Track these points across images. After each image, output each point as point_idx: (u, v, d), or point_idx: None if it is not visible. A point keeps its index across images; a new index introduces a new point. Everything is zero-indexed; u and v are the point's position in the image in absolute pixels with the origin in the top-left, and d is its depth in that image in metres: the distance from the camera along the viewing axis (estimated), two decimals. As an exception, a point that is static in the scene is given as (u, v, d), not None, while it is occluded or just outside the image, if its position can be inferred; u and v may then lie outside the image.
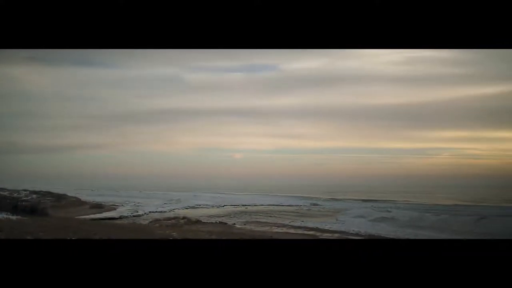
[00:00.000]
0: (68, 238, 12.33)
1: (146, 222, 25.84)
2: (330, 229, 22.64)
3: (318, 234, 20.25)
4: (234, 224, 25.14)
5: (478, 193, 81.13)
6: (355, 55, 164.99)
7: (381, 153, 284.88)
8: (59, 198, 42.59)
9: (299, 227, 23.59)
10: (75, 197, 48.48)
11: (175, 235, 17.87)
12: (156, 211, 36.30)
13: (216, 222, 26.07)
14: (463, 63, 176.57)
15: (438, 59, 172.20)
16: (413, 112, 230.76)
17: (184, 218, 26.54)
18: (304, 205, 48.18)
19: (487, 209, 40.10)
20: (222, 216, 31.47)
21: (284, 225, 24.77)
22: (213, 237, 17.13)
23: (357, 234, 20.34)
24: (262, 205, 48.07)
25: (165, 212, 36.17)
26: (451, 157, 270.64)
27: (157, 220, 26.56)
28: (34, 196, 40.60)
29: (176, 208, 40.85)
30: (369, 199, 63.62)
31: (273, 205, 48.52)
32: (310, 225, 24.79)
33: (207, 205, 47.13)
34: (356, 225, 24.92)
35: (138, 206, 43.62)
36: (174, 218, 27.04)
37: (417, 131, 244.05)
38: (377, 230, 22.02)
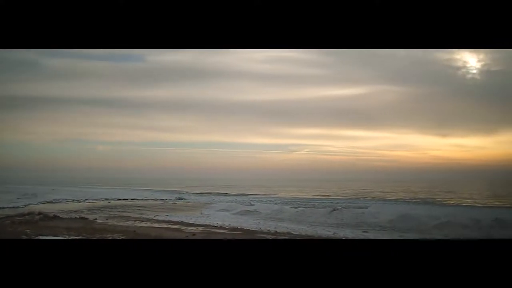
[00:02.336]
0: (68, 238, 11.19)
1: (-4, 218, 23.66)
2: (194, 222, 22.81)
3: (183, 228, 20.28)
4: (96, 219, 24.10)
5: (332, 187, 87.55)
6: (221, 50, 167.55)
7: (245, 148, 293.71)
8: None
9: (164, 221, 23.42)
10: None
11: (29, 232, 16.69)
12: (7, 207, 33.25)
13: (75, 217, 24.75)
14: (322, 64, 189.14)
15: (299, 59, 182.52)
16: (275, 109, 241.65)
17: (40, 213, 24.76)
18: (170, 199, 47.84)
19: (339, 202, 43.58)
20: (83, 211, 29.99)
21: (148, 219, 24.37)
22: (72, 233, 16.33)
23: (221, 227, 20.77)
24: (126, 199, 46.66)
25: (18, 207, 33.35)
26: (309, 153, 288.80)
27: (8, 216, 24.43)
28: None
29: (32, 203, 37.83)
30: (233, 193, 65.14)
31: (138, 199, 47.43)
32: (175, 219, 24.70)
33: (66, 199, 44.41)
34: (220, 218, 25.40)
35: (-14, 201, 39.65)
36: (28, 213, 25.07)
37: (279, 127, 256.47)
38: (241, 223, 22.67)
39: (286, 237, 14.40)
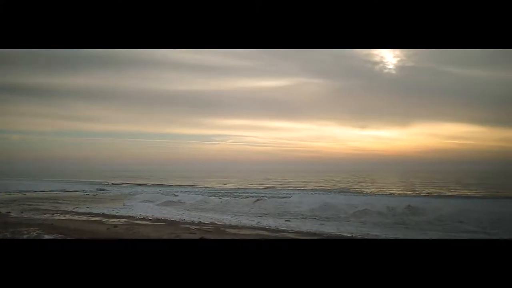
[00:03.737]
0: (68, 238, 11.20)
1: None
2: (116, 214, 22.29)
3: (104, 220, 19.76)
4: (9, 212, 22.84)
5: (256, 177, 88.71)
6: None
7: (169, 138, 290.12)
8: None
9: (84, 213, 22.65)
10: None
11: None
12: None
13: (-14, 211, 23.35)
14: (247, 56, 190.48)
15: (225, 51, 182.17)
16: (200, 99, 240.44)
17: None
18: (90, 190, 46.32)
19: (263, 192, 44.35)
20: (-5, 204, 28.31)
21: (67, 212, 23.46)
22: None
23: (144, 219, 20.47)
24: (43, 191, 44.51)
25: None
26: (234, 144, 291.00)
27: None
28: None
29: None
30: (157, 183, 64.27)
31: (56, 191, 45.44)
32: (95, 211, 23.98)
33: (-24, 192, 41.69)
34: (143, 209, 24.99)
35: None
36: None
37: (204, 118, 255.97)
38: (164, 214, 22.45)
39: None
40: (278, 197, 31.87)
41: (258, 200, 27.57)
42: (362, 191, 47.45)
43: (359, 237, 14.71)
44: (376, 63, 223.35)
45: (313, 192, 44.11)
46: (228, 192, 43.58)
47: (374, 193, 43.72)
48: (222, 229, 16.96)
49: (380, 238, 14.15)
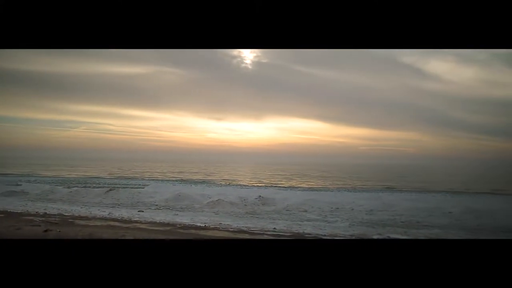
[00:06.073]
0: (68, 238, 10.99)
1: None
2: None
3: None
4: None
5: (109, 166, 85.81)
6: None
7: (12, 122, 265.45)
8: None
9: None
10: None
11: None
12: None
13: None
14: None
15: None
16: (49, 81, 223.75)
17: None
18: None
19: (116, 181, 43.15)
20: None
21: None
22: None
23: (-21, 210, 18.65)
24: None
25: None
26: (87, 131, 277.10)
27: None
28: None
29: None
30: (-4, 172, 58.82)
31: None
32: None
33: None
34: (-21, 200, 22.80)
35: None
36: None
37: (53, 102, 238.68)
38: (4, 205, 20.73)
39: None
40: (132, 187, 31.33)
41: (110, 190, 26.85)
42: (216, 182, 48.55)
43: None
44: (233, 57, 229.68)
45: (168, 182, 43.99)
46: (78, 182, 41.48)
47: (228, 184, 45.02)
48: (70, 220, 16.17)
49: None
